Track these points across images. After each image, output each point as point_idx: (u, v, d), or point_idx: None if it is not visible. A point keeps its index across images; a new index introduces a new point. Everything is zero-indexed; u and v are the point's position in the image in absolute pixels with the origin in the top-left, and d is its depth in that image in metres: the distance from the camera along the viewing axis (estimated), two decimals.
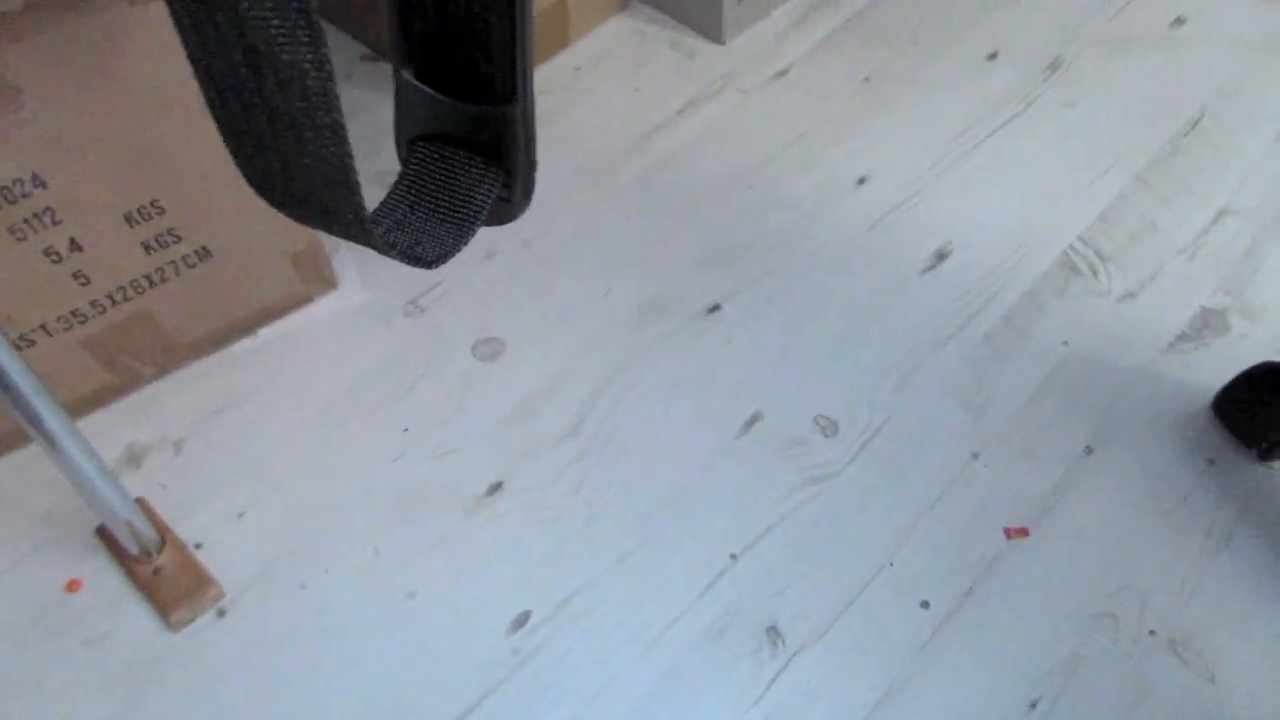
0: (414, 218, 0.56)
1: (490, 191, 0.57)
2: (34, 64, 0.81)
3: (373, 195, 0.54)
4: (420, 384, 1.08)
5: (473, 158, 0.57)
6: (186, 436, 1.04)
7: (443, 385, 1.08)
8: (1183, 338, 1.08)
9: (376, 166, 1.21)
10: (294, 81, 0.41)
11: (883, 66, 1.38)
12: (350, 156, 0.46)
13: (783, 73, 1.37)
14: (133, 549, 0.91)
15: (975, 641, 0.89)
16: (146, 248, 0.97)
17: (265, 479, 1.00)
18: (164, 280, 1.00)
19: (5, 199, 0.86)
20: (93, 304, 0.97)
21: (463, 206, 0.56)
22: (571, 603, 0.91)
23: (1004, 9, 1.44)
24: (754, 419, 1.03)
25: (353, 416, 1.05)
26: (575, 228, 1.21)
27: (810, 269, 1.16)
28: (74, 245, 0.92)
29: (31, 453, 1.02)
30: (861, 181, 1.24)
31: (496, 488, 0.99)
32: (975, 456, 1.00)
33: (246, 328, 1.11)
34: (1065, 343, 1.08)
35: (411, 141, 0.58)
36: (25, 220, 0.88)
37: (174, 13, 0.41)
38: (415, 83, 0.55)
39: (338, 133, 0.44)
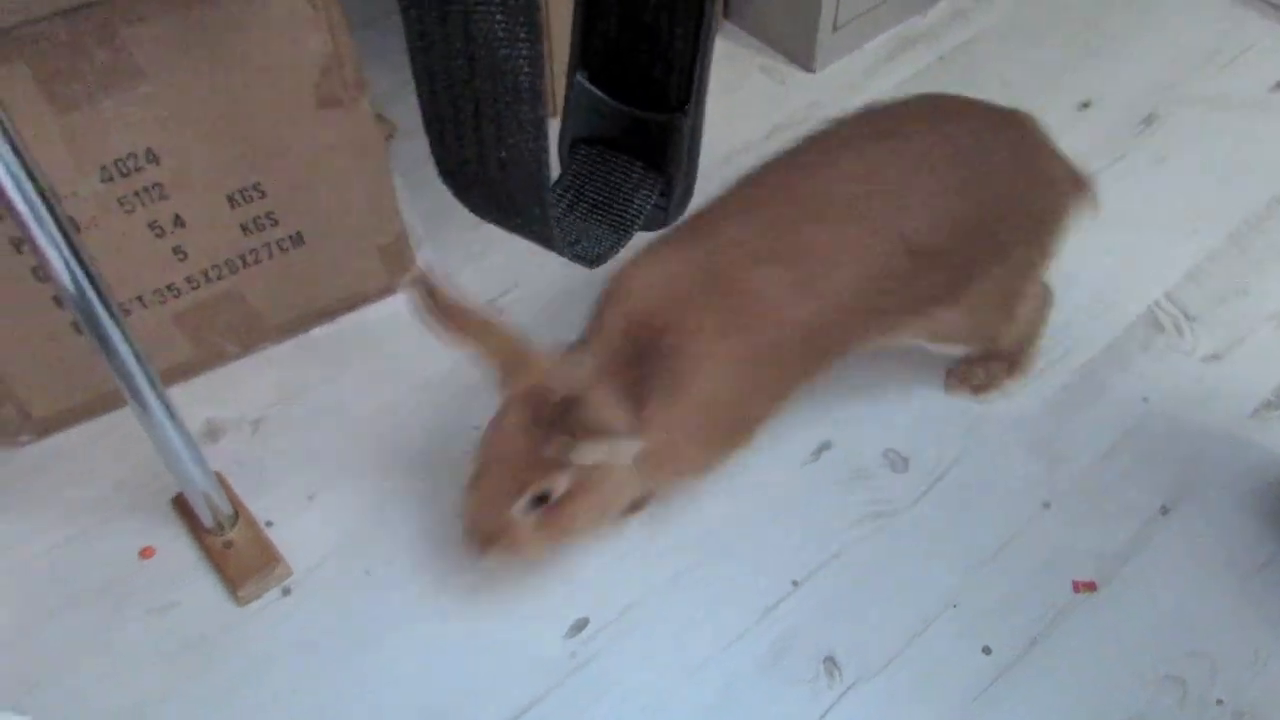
0: (572, 217, 0.57)
1: (648, 198, 0.58)
2: (157, 46, 0.84)
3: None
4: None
5: (634, 163, 0.59)
6: (264, 416, 1.06)
7: None
8: (1268, 405, 1.06)
9: None
10: (505, 76, 0.43)
11: None
12: (546, 153, 0.48)
13: None
14: (207, 521, 0.92)
15: (1036, 693, 0.87)
16: (244, 229, 0.99)
17: (337, 464, 1.02)
18: (257, 262, 1.03)
19: (119, 172, 0.89)
20: (188, 280, 1.00)
21: (621, 210, 0.57)
22: (630, 613, 0.92)
23: (1101, 58, 1.43)
24: (823, 447, 1.03)
25: (426, 410, 1.06)
26: None
27: None
28: (178, 221, 0.95)
29: (110, 421, 1.04)
30: None
31: None
32: (1046, 506, 0.98)
33: (329, 314, 1.13)
34: (1145, 399, 1.06)
35: (574, 143, 0.59)
36: (135, 193, 0.91)
37: (403, 6, 0.43)
38: (588, 85, 0.57)
39: (539, 128, 0.46)
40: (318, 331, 1.13)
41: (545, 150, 0.48)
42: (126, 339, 0.74)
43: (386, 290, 1.15)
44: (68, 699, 0.71)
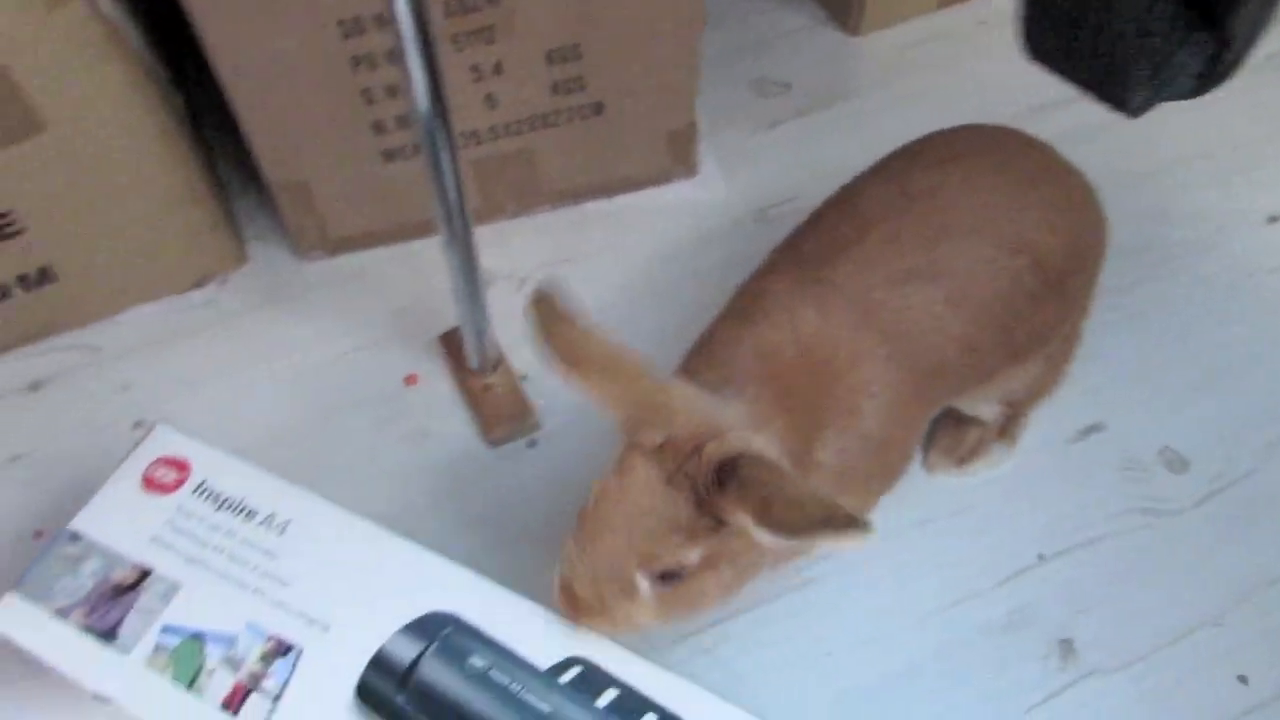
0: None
1: (1195, 58, 0.52)
2: None
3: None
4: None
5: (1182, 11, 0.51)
6: (530, 276, 1.08)
7: None
8: None
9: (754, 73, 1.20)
10: None
11: None
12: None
13: None
14: (473, 362, 0.95)
15: None
16: (554, 88, 1.00)
17: None
18: (555, 125, 1.04)
19: (461, 8, 0.90)
20: (491, 129, 1.02)
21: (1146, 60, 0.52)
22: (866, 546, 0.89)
23: None
24: (1094, 428, 0.97)
25: (685, 300, 1.06)
26: None
27: (1191, 292, 1.07)
28: (497, 69, 0.96)
29: (395, 251, 1.09)
30: (1273, 220, 1.13)
31: None
32: None
33: (605, 191, 1.14)
34: None
35: None
36: (468, 33, 0.93)
37: None
38: None
39: None
40: (590, 206, 1.14)
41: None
42: (455, 169, 0.76)
43: (664, 178, 1.15)
44: (329, 498, 0.75)
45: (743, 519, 0.58)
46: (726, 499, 0.59)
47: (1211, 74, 0.53)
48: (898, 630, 0.85)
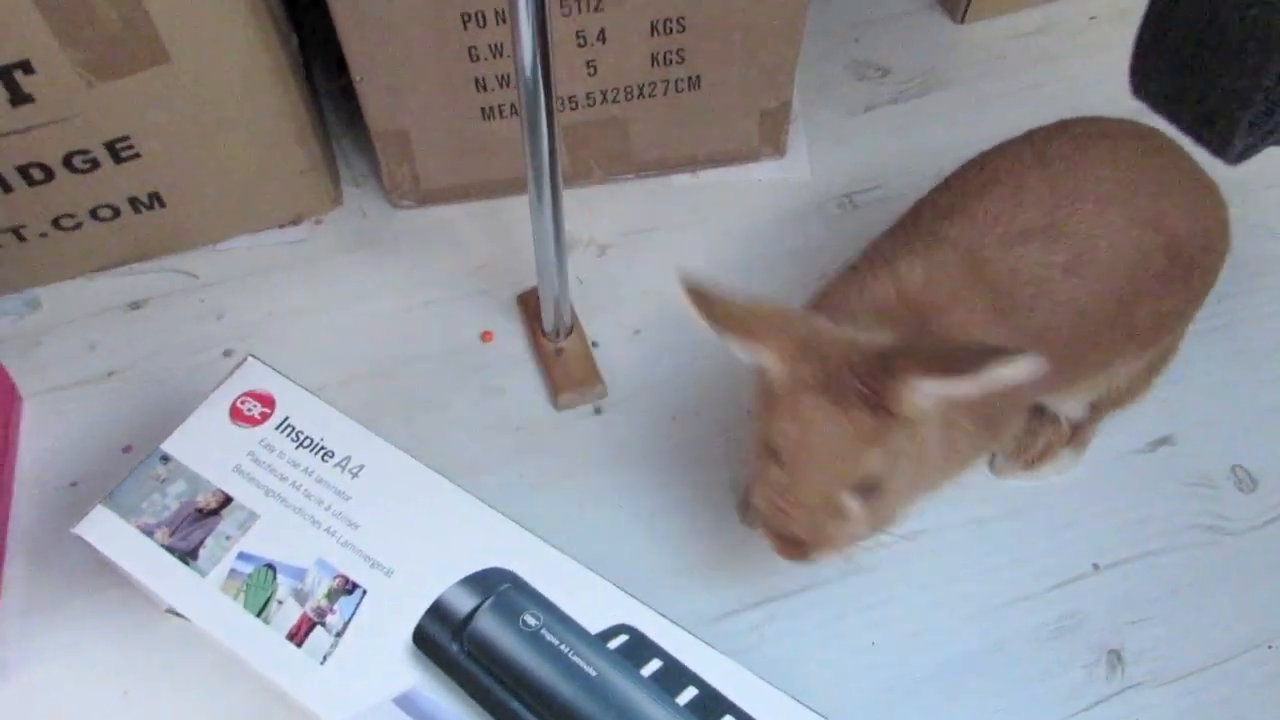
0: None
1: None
2: None
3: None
4: (833, 275, 1.07)
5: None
6: (612, 243, 1.09)
7: None
8: None
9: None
10: None
11: None
12: None
13: None
14: (548, 324, 0.97)
15: None
16: (654, 59, 1.00)
17: (669, 307, 1.04)
18: (651, 95, 1.04)
19: None
20: (588, 95, 1.03)
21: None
22: (919, 539, 0.90)
23: None
24: (1164, 441, 0.95)
25: (762, 281, 1.06)
26: None
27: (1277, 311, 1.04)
28: (601, 35, 0.97)
29: (482, 207, 1.11)
30: None
31: None
32: None
33: (692, 164, 1.14)
34: None
35: None
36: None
37: None
38: None
39: None
40: (677, 179, 1.15)
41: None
42: (551, 132, 0.77)
43: (752, 156, 1.15)
44: (398, 443, 0.78)
45: (915, 387, 0.61)
46: (894, 380, 0.62)
47: None
48: (945, 626, 0.86)
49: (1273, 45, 0.47)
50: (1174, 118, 0.57)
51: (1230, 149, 0.50)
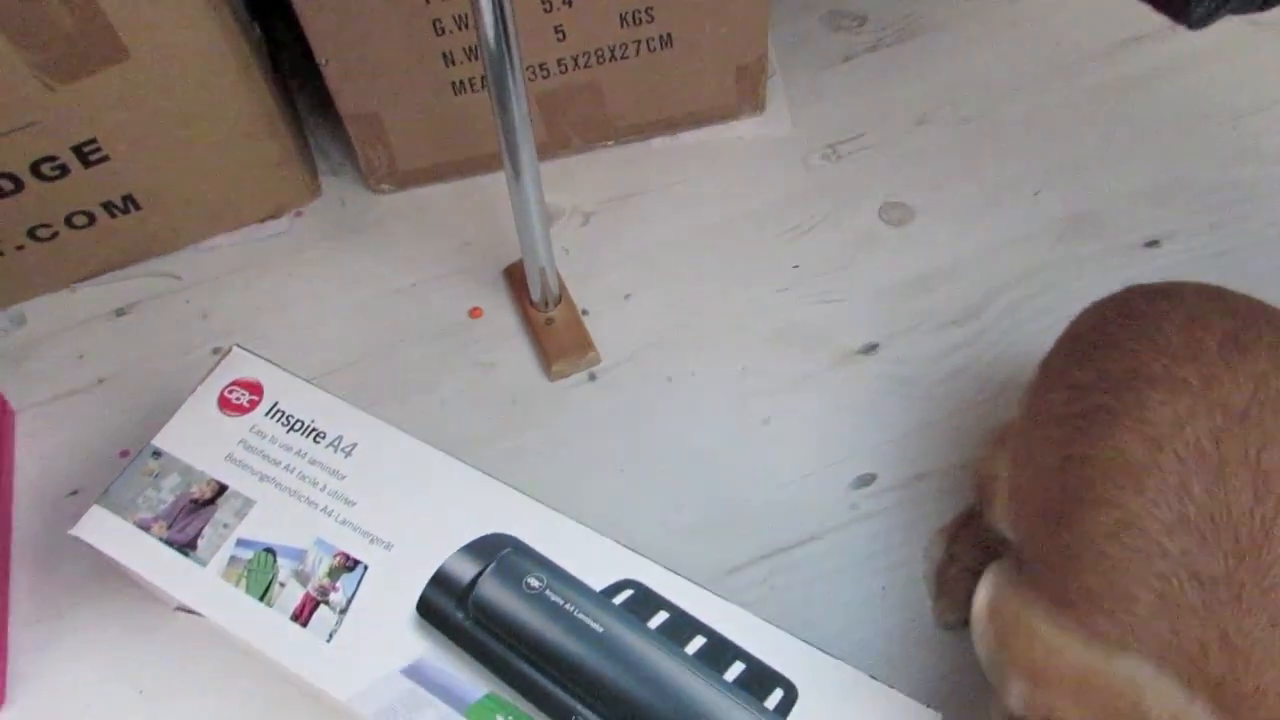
0: None
1: None
2: None
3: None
4: (820, 228, 1.06)
5: None
6: (595, 211, 1.08)
7: (840, 235, 1.05)
8: None
9: None
10: None
11: None
12: None
13: None
14: (536, 295, 0.97)
15: None
16: (622, 19, 0.99)
17: (656, 270, 1.03)
18: (624, 57, 1.03)
19: None
20: (559, 62, 1.02)
21: None
22: (918, 484, 0.89)
23: None
24: None
25: (748, 237, 1.05)
26: (1022, 116, 1.12)
27: (1276, 235, 1.03)
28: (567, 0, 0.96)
29: (463, 185, 1.10)
30: None
31: (872, 349, 0.97)
32: None
33: (671, 126, 1.13)
34: None
35: None
36: None
37: None
38: None
39: None
40: (657, 142, 1.14)
41: None
42: (522, 102, 0.76)
43: (731, 114, 1.14)
44: (395, 424, 0.78)
45: None
46: None
47: None
48: None
49: None
50: None
51: (1190, 12, 0.49)
